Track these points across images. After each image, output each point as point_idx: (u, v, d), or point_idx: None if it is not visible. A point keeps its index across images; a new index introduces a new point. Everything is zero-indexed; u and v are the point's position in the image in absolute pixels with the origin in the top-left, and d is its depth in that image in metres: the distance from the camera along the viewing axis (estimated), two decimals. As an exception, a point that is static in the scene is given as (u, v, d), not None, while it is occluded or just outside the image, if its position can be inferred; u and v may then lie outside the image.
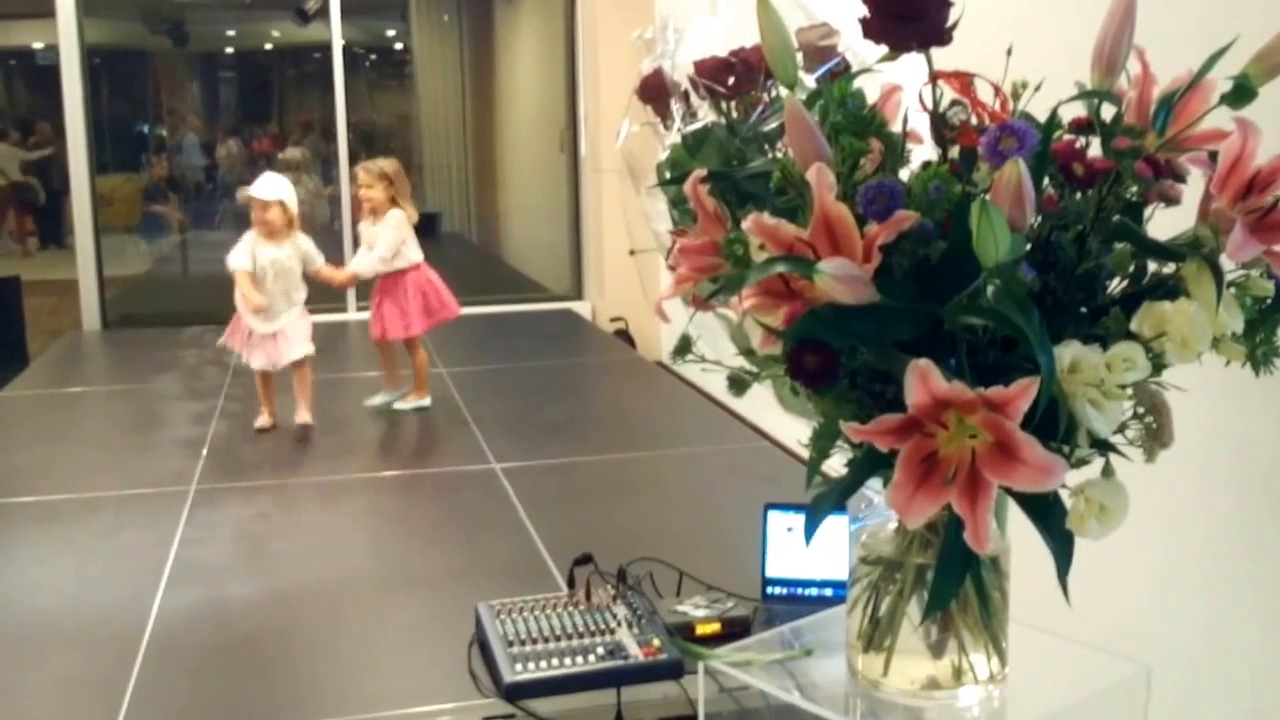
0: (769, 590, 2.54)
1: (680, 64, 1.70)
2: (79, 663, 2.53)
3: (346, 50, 7.42)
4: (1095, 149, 1.24)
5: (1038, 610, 1.47)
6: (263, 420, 4.38)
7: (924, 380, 1.11)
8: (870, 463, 1.23)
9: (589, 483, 3.83)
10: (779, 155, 1.41)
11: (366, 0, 9.47)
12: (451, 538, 3.37)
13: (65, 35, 6.76)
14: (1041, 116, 1.22)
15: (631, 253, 1.80)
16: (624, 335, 6.89)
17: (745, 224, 1.21)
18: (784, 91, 1.32)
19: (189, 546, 3.20)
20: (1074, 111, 1.27)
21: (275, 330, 4.29)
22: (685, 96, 1.68)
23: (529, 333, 6.72)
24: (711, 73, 1.65)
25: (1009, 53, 1.29)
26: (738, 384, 1.42)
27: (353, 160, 7.30)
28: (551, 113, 8.09)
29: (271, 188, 4.28)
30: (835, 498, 1.28)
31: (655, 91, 1.73)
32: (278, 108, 11.00)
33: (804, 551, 2.47)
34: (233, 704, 2.36)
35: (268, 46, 10.96)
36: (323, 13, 7.43)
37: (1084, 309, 1.23)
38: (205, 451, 4.13)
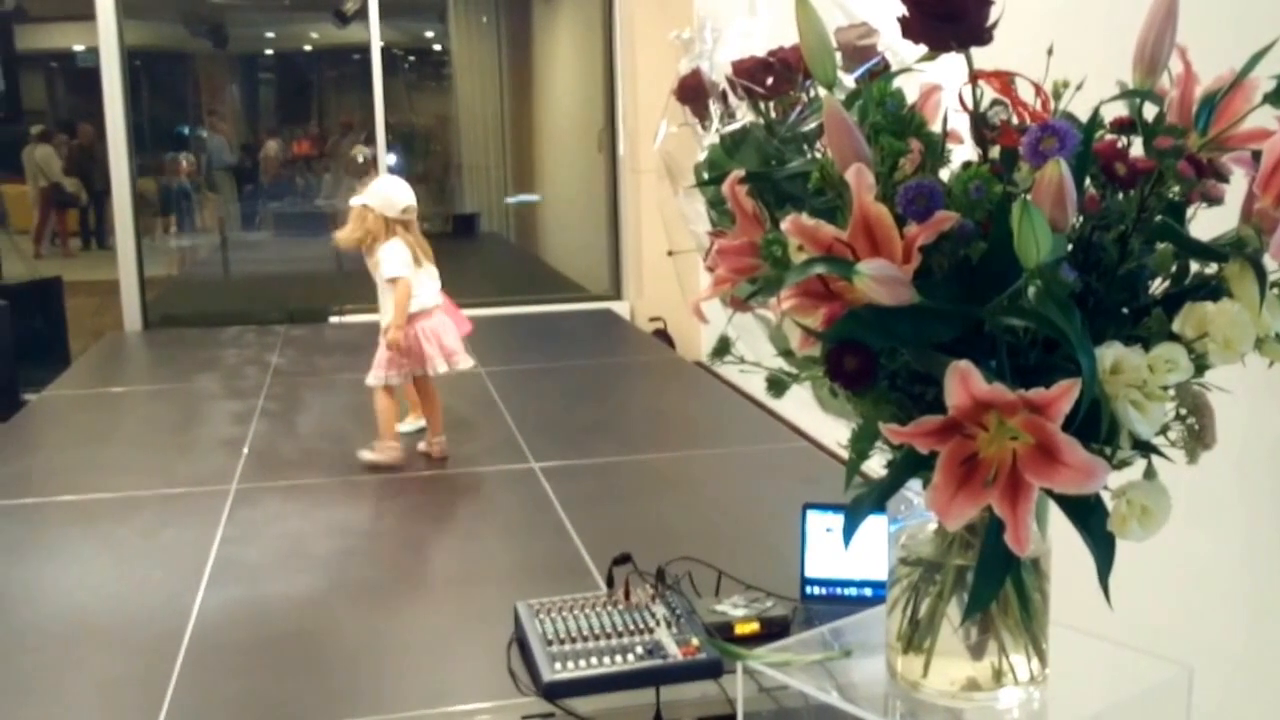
0: (808, 590, 2.54)
1: (718, 64, 1.69)
2: (120, 661, 2.55)
3: (385, 52, 7.45)
4: (1137, 148, 1.23)
5: (1078, 611, 1.46)
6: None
7: (964, 382, 1.10)
8: (910, 464, 1.22)
9: (628, 482, 3.83)
10: (818, 156, 1.41)
11: (405, 2, 9.50)
12: (490, 537, 3.38)
13: (105, 37, 6.81)
14: (1083, 116, 1.21)
15: (669, 253, 1.80)
16: (663, 335, 6.88)
17: (784, 225, 1.21)
18: (823, 91, 1.31)
19: (230, 545, 3.22)
20: (1116, 111, 1.26)
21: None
22: (723, 97, 1.67)
23: (567, 333, 6.73)
24: (750, 73, 1.64)
25: (1050, 52, 1.28)
26: (776, 385, 1.42)
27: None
28: (590, 113, 8.09)
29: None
30: (874, 499, 1.27)
31: (693, 92, 1.73)
32: (317, 109, 11.07)
33: (843, 552, 2.47)
34: (273, 702, 2.38)
35: (306, 48, 11.03)
36: (361, 14, 7.47)
37: (1126, 310, 1.22)
38: (246, 450, 4.16)
